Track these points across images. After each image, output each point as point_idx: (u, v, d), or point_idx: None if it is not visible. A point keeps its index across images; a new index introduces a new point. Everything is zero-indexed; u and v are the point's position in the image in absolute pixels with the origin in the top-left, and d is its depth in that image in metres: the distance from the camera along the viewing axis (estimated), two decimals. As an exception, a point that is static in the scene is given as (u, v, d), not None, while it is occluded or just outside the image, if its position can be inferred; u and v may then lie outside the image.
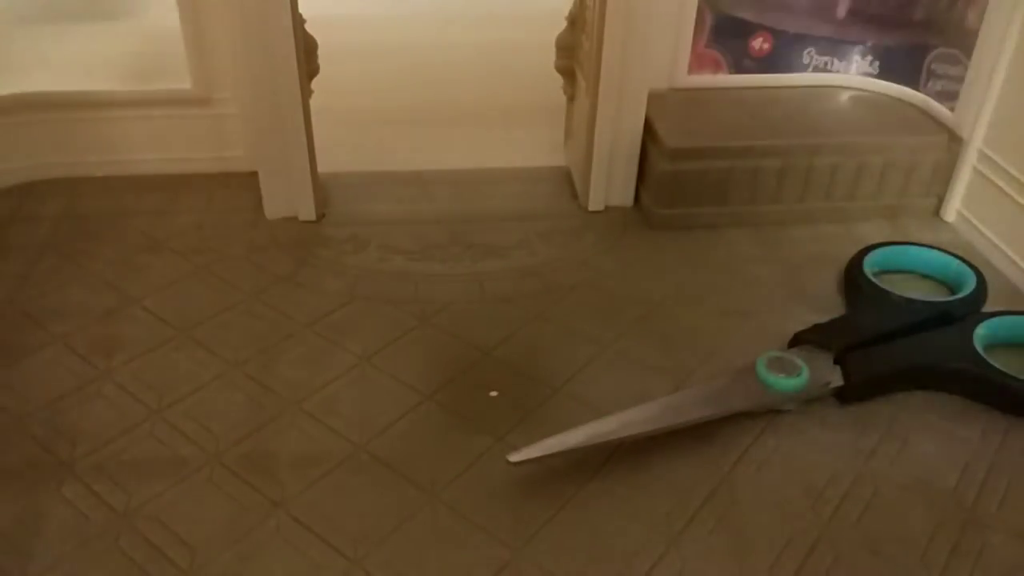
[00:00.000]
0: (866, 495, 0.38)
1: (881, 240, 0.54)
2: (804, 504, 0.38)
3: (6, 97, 0.58)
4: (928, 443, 0.41)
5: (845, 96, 0.62)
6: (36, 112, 0.59)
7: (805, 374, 0.42)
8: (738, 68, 0.60)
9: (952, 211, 0.58)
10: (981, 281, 0.49)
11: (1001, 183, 0.53)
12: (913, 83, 0.59)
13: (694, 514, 0.37)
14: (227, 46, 0.54)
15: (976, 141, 0.55)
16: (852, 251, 0.52)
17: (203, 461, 0.39)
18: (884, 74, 0.60)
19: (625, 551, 0.35)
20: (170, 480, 0.38)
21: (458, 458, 0.39)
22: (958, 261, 0.51)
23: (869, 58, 0.57)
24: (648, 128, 0.57)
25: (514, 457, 0.38)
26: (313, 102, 0.54)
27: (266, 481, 0.38)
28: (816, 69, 0.61)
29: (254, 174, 0.57)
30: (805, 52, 0.59)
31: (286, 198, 0.56)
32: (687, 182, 0.55)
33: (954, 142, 0.56)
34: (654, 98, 0.57)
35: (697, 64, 0.59)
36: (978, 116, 0.55)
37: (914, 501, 0.38)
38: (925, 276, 0.52)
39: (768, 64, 0.61)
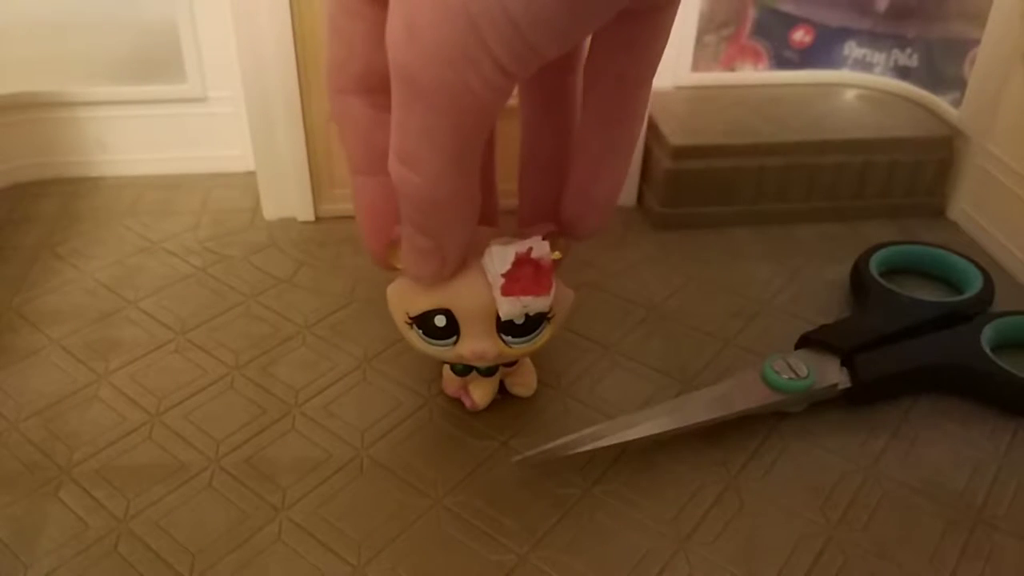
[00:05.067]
0: (875, 497, 0.38)
1: (887, 239, 0.53)
2: (812, 507, 0.37)
3: None
4: (937, 445, 0.40)
5: (850, 93, 0.61)
6: (29, 112, 0.58)
7: (812, 376, 0.41)
8: (779, 60, 0.60)
9: (958, 210, 0.57)
10: (988, 281, 0.49)
11: (1008, 182, 0.53)
12: (955, 77, 0.58)
13: (701, 518, 0.37)
14: (225, 44, 0.53)
15: (983, 139, 0.55)
16: (858, 250, 0.52)
17: (203, 466, 0.38)
18: (924, 68, 0.59)
19: (632, 555, 0.35)
20: (170, 485, 0.37)
21: (461, 462, 0.39)
22: (965, 261, 0.50)
23: (908, 51, 0.57)
24: (651, 126, 0.56)
25: (518, 460, 0.38)
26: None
27: (267, 486, 0.38)
28: (856, 62, 0.61)
29: (252, 174, 0.56)
30: (845, 44, 0.59)
31: (284, 198, 0.56)
32: (691, 181, 0.55)
33: (960, 140, 0.56)
34: (657, 96, 0.56)
35: (739, 55, 0.59)
36: (985, 114, 0.54)
37: (923, 503, 0.38)
38: (932, 276, 0.52)
39: (808, 56, 0.60)
